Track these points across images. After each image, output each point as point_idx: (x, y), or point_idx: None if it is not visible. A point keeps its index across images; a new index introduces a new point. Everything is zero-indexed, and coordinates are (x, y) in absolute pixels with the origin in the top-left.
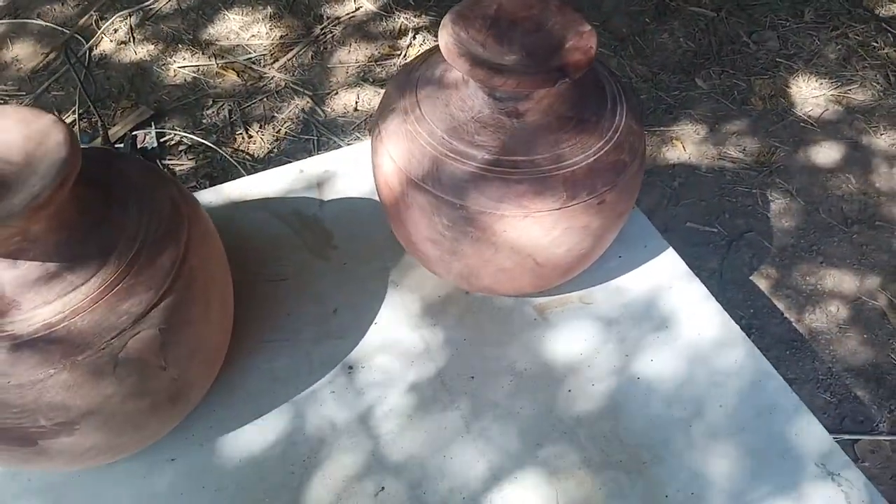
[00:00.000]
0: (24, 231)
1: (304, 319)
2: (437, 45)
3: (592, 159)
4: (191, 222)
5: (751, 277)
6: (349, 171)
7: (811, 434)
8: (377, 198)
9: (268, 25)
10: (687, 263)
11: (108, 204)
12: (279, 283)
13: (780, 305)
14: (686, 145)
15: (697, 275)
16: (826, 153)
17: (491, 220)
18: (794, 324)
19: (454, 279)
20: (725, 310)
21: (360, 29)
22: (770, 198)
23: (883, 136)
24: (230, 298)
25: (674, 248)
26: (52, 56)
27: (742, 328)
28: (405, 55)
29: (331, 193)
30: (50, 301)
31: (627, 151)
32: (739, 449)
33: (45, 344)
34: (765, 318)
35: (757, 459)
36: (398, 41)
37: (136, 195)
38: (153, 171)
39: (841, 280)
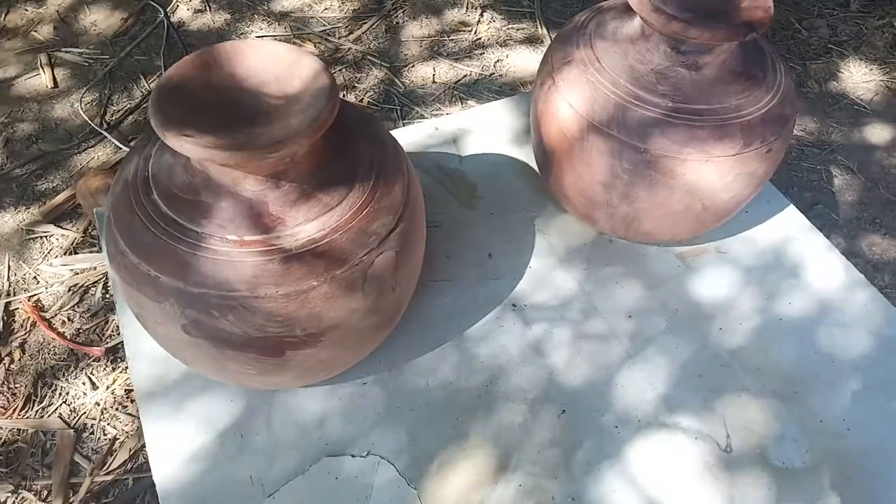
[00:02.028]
0: (294, 153)
1: (463, 262)
2: (604, 4)
3: (764, 111)
4: (405, 158)
5: None
6: (481, 129)
7: None
8: (510, 153)
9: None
10: None
11: (342, 136)
12: (434, 230)
13: None
14: None
15: None
16: (880, 134)
17: (673, 163)
18: None
19: (612, 226)
20: None
21: (430, 6)
22: (833, 174)
23: None
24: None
25: None
26: (130, 21)
27: None
28: (475, 31)
29: (467, 149)
30: (311, 219)
31: (789, 105)
32: (877, 381)
33: (312, 257)
34: None
35: (886, 390)
36: (467, 17)
37: (361, 129)
38: (366, 111)
39: None
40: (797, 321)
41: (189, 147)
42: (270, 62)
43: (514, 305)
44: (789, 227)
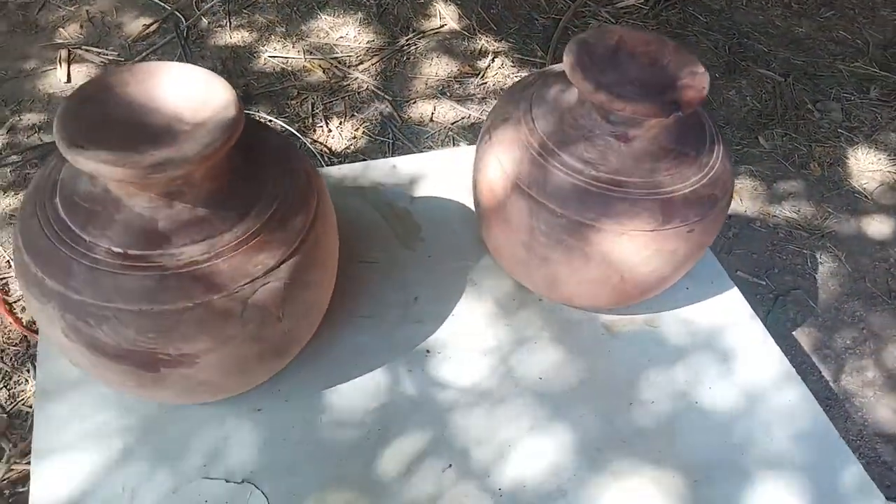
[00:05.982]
0: (187, 176)
1: (389, 302)
2: (554, 67)
3: (689, 190)
4: (319, 194)
5: (793, 333)
6: (440, 173)
7: (854, 477)
8: (464, 201)
9: (357, 29)
10: None
11: (253, 165)
12: (369, 266)
13: (819, 364)
14: (743, 199)
15: None
16: (877, 226)
17: (588, 231)
18: (830, 383)
19: (535, 285)
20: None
21: (443, 45)
22: (819, 260)
23: None
24: (336, 270)
25: None
26: (152, 28)
27: None
28: (483, 76)
29: (421, 191)
30: (197, 241)
31: (720, 188)
32: (783, 481)
33: (190, 280)
34: (802, 373)
35: (799, 494)
36: (477, 62)
37: (277, 161)
38: (291, 144)
39: (880, 348)
40: (712, 409)
41: (79, 159)
42: (189, 87)
43: (427, 352)
44: (729, 311)
